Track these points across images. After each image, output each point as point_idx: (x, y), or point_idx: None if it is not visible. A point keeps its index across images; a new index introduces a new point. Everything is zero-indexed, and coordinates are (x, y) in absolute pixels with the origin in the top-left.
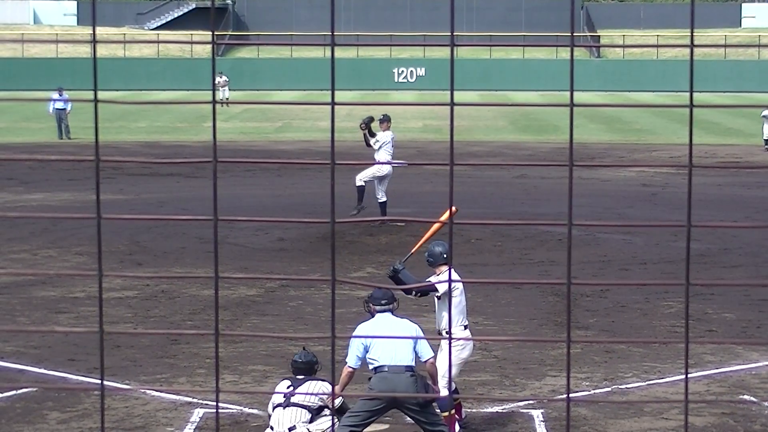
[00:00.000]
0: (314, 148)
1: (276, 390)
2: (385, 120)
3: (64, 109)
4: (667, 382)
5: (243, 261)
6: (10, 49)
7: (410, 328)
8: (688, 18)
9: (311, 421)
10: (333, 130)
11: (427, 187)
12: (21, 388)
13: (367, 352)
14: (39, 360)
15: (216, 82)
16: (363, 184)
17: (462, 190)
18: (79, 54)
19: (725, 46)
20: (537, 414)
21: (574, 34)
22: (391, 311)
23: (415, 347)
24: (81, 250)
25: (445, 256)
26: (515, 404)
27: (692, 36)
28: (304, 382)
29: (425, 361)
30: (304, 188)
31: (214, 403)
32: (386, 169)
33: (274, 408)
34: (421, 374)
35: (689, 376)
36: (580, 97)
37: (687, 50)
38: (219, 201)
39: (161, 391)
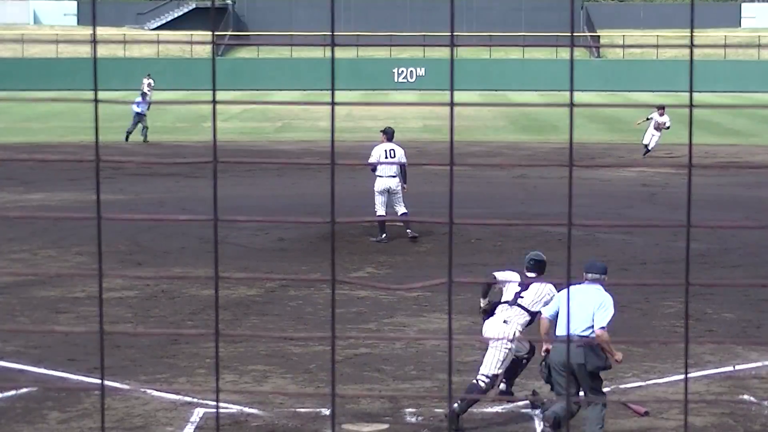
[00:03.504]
0: (314, 148)
1: (507, 273)
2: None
3: (143, 113)
4: (667, 382)
5: (243, 261)
6: (10, 49)
7: (600, 297)
8: (688, 18)
9: (528, 324)
10: (333, 130)
11: (427, 187)
12: (21, 388)
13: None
14: (39, 360)
15: (143, 85)
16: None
17: (462, 190)
18: (79, 54)
19: (725, 46)
20: (537, 414)
21: (574, 34)
22: (601, 283)
23: (594, 317)
24: (81, 250)
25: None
26: (515, 404)
27: (692, 36)
28: (532, 283)
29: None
30: (304, 188)
31: (214, 403)
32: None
33: (500, 303)
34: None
35: (689, 376)
36: (580, 97)
37: (687, 50)
38: (219, 201)
39: (161, 391)
